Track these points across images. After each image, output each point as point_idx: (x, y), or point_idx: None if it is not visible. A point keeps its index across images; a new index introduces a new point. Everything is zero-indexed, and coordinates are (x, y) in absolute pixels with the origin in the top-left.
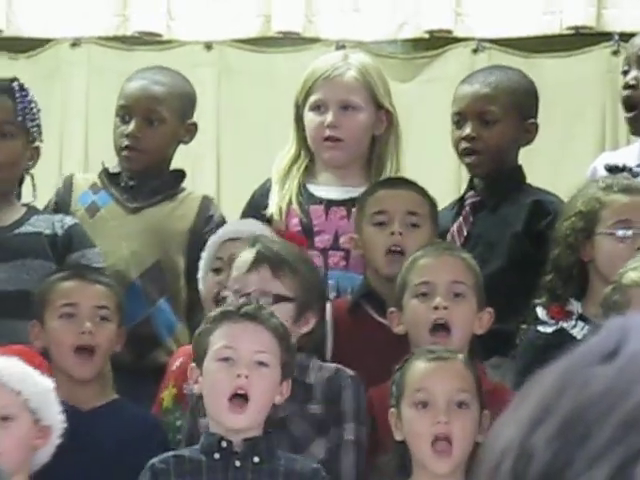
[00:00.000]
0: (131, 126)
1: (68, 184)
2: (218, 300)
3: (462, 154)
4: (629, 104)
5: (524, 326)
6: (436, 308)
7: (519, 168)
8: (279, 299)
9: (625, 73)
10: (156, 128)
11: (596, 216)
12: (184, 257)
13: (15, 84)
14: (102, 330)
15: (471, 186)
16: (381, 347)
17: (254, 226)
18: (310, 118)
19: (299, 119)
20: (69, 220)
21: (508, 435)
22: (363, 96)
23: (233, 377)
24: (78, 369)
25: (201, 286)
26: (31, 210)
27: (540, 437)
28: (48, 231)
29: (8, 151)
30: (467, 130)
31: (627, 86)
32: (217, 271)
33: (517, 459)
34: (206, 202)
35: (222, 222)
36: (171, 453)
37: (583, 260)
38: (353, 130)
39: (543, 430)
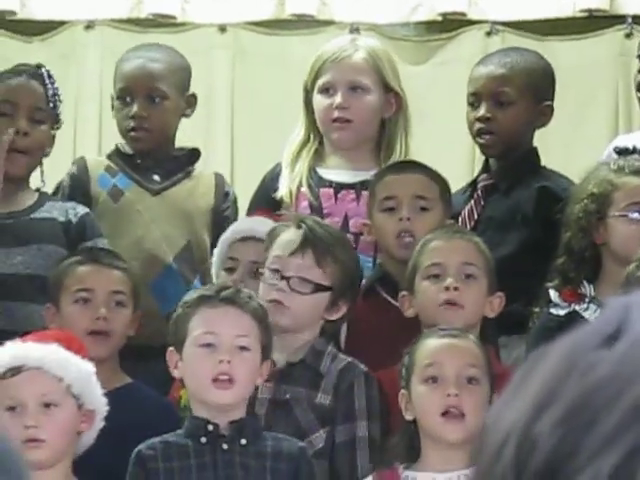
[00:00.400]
0: (135, 107)
1: (82, 167)
2: None
3: (476, 135)
4: None
5: (537, 309)
6: (447, 289)
7: (534, 150)
8: (318, 288)
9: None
10: (159, 105)
11: (608, 198)
12: (209, 235)
13: (43, 70)
14: (117, 315)
15: (485, 169)
16: (396, 330)
17: (267, 226)
18: (319, 100)
19: (308, 103)
20: (81, 209)
21: (510, 419)
22: (371, 78)
23: (215, 363)
24: (93, 349)
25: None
26: (43, 196)
27: (545, 423)
28: (62, 218)
29: (39, 137)
30: (482, 111)
31: None
32: (230, 270)
33: (520, 445)
34: (220, 179)
35: (235, 199)
36: (157, 439)
37: (596, 243)
38: (362, 111)
39: (547, 416)
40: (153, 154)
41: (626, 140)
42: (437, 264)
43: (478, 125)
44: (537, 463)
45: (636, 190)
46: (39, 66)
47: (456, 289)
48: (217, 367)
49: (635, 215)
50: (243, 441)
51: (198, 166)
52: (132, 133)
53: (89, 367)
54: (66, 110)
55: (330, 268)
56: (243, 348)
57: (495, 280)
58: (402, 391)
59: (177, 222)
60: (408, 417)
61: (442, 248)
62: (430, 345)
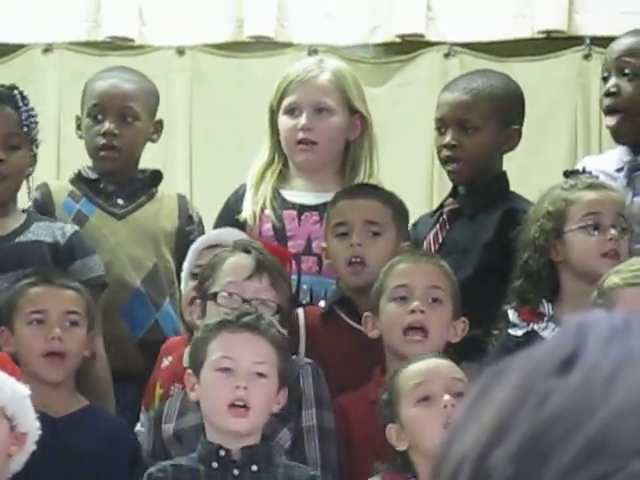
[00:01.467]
0: (106, 124)
1: (46, 193)
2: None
3: (443, 162)
4: (610, 111)
5: (496, 332)
6: (413, 311)
7: (503, 175)
8: (279, 309)
9: (604, 80)
10: (130, 124)
11: (564, 214)
12: (174, 258)
13: (16, 92)
14: (72, 335)
15: (453, 194)
16: (355, 353)
17: (235, 235)
18: (284, 121)
19: (274, 123)
20: (69, 228)
21: (465, 445)
22: (337, 99)
23: (232, 388)
24: (48, 372)
25: (183, 291)
26: (31, 217)
27: (499, 455)
28: (49, 239)
29: (17, 162)
30: (447, 138)
31: (607, 93)
32: (196, 276)
33: (474, 476)
34: (182, 200)
35: (201, 221)
36: (168, 462)
37: (553, 262)
38: (327, 133)
39: (502, 448)
40: (117, 176)
41: (591, 161)
42: (403, 286)
43: (445, 152)
44: None
45: (590, 202)
46: (11, 87)
47: (422, 312)
48: (233, 393)
49: (590, 222)
50: (254, 467)
51: (160, 188)
52: (101, 152)
53: (24, 389)
54: None
55: (282, 290)
56: (260, 375)
57: (460, 305)
58: (390, 425)
59: (143, 245)
60: (400, 448)
61: (409, 270)
62: (412, 369)
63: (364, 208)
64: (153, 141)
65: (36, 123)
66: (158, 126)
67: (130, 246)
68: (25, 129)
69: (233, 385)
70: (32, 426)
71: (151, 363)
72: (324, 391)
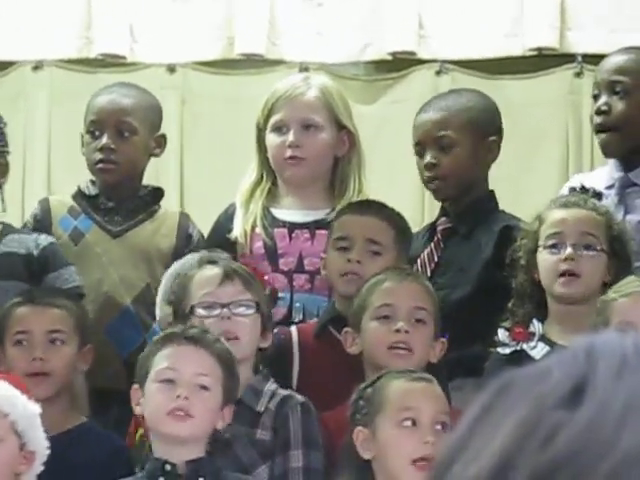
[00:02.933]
0: (104, 139)
1: (45, 208)
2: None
3: (426, 182)
4: (601, 129)
5: (493, 350)
6: (398, 331)
7: (491, 194)
8: (258, 308)
9: (595, 97)
10: (128, 139)
11: (537, 234)
12: None
13: None
14: (55, 354)
15: (443, 212)
16: (349, 370)
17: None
18: (271, 139)
19: (261, 141)
20: (44, 239)
21: (467, 473)
22: (324, 115)
23: (173, 398)
24: (33, 390)
25: (157, 316)
26: (6, 228)
27: None
28: (22, 251)
29: None
30: (427, 158)
31: (599, 112)
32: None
33: None
34: (184, 219)
35: (200, 240)
36: None
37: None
38: (315, 149)
39: None
40: (119, 191)
41: (581, 179)
42: (388, 305)
43: (426, 173)
44: None
45: (554, 222)
46: None
47: (407, 332)
48: (175, 401)
49: (551, 242)
50: None
51: (167, 205)
52: (99, 165)
53: (35, 408)
54: (15, 150)
55: (256, 289)
56: (203, 387)
57: (440, 325)
58: (359, 428)
59: (136, 264)
60: (367, 456)
61: (394, 289)
62: (403, 387)
63: (367, 226)
64: (156, 155)
65: (3, 134)
66: (160, 140)
67: (123, 265)
68: None
69: (174, 395)
70: (41, 445)
71: None
72: (314, 431)
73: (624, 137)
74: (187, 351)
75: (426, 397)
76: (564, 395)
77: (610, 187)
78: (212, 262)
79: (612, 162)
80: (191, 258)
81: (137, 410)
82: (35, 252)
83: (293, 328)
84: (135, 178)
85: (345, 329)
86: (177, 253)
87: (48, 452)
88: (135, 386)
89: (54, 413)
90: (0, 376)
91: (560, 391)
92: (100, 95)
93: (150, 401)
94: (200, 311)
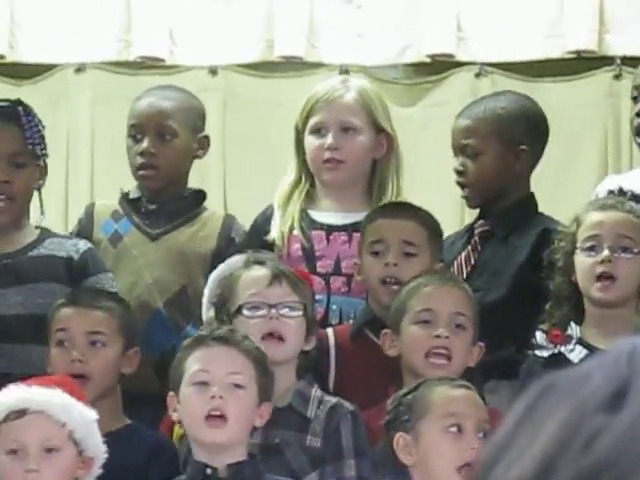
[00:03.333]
0: (144, 143)
1: (89, 213)
2: None
3: (459, 187)
4: None
5: (529, 352)
6: (438, 337)
7: (531, 196)
8: (304, 309)
9: (635, 100)
10: (169, 142)
11: (575, 236)
12: (205, 280)
13: (20, 109)
14: (95, 357)
15: (482, 215)
16: (384, 373)
17: None
18: (310, 141)
19: (299, 143)
20: (83, 244)
21: (510, 475)
22: (363, 118)
23: (208, 399)
24: None
25: (204, 317)
26: (44, 233)
27: None
28: (63, 254)
29: (24, 180)
30: (456, 164)
31: (638, 114)
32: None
33: None
34: (228, 222)
35: (244, 243)
36: None
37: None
38: (353, 152)
39: None
40: (162, 194)
41: (614, 180)
42: (428, 310)
43: (456, 178)
44: None
45: (591, 224)
46: (16, 103)
47: (447, 337)
48: (210, 403)
49: (589, 244)
50: None
51: (210, 207)
52: (141, 171)
53: (91, 414)
54: (58, 153)
55: (304, 291)
56: (237, 386)
57: (478, 330)
58: (400, 433)
59: (173, 267)
60: (407, 462)
61: (435, 294)
62: (447, 393)
63: (402, 228)
64: (199, 157)
65: (42, 137)
66: (204, 142)
67: (158, 267)
68: (30, 147)
69: (209, 396)
70: (99, 450)
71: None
72: (362, 439)
73: None
74: (218, 351)
75: (470, 404)
76: (605, 399)
77: None
78: (260, 263)
79: None
80: (238, 259)
81: (174, 417)
82: (75, 256)
83: (329, 330)
84: (178, 181)
85: (384, 331)
86: (218, 255)
87: (106, 456)
88: (171, 394)
89: (99, 415)
90: (57, 379)
91: (601, 394)
92: (141, 99)
93: (185, 406)
94: (246, 312)
